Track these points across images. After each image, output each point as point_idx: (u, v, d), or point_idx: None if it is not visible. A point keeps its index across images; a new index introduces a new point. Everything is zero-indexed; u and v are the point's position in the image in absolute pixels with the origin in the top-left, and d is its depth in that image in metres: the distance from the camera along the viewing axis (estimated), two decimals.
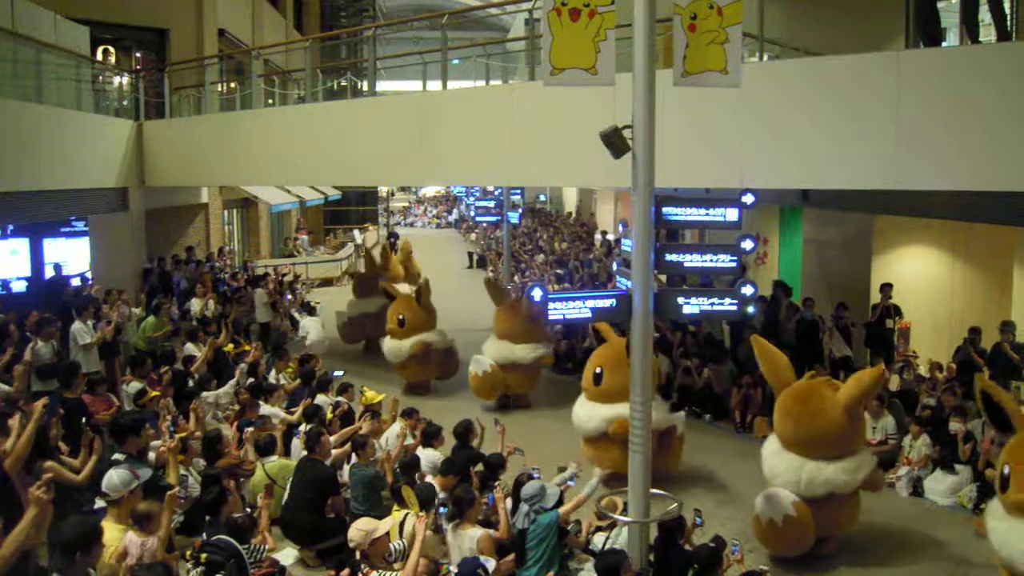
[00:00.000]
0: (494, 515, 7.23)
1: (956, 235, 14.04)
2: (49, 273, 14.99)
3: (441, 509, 6.68)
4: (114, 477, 5.93)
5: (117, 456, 6.90)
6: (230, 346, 12.53)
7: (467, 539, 6.76)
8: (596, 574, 5.95)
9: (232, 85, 19.56)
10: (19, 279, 15.41)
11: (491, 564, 6.39)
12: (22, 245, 15.71)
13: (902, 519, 8.83)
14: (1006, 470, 6.39)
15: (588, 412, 9.50)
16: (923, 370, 12.18)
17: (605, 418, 9.27)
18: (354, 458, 8.15)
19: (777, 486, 7.73)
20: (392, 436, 8.88)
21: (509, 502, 7.14)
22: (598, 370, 9.53)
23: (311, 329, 14.12)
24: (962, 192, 8.70)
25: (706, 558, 6.25)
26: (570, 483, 7.45)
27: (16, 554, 4.87)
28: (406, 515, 6.86)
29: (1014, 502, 6.28)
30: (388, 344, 13.26)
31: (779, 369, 8.15)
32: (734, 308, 7.17)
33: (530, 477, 7.12)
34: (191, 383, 10.47)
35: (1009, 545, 6.30)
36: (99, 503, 6.49)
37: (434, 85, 13.19)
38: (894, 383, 11.80)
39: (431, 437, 8.65)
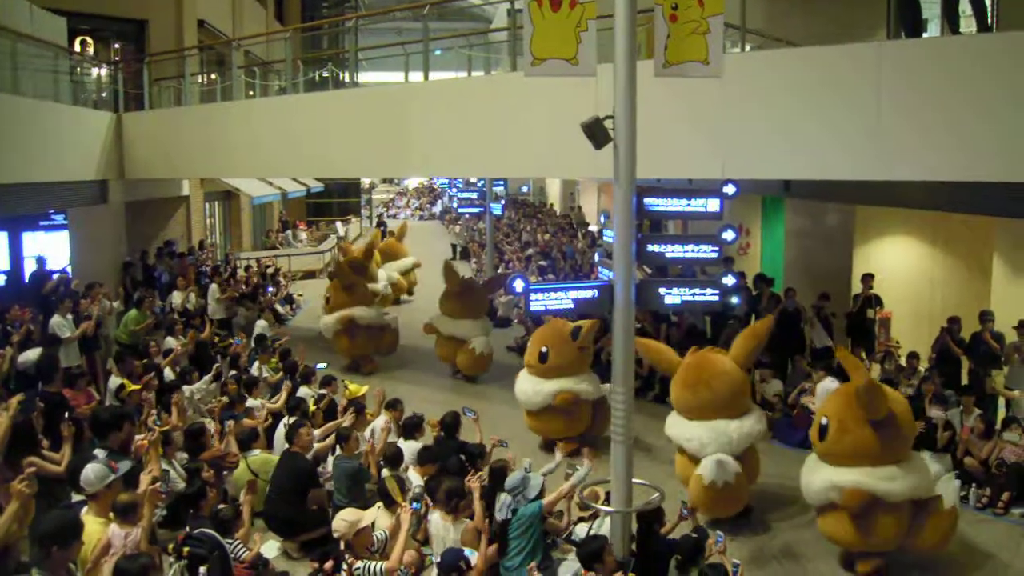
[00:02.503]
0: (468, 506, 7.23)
1: (936, 226, 14.14)
2: (31, 266, 14.81)
3: (414, 505, 6.66)
4: (89, 472, 5.90)
5: (97, 451, 6.85)
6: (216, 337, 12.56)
7: (454, 531, 6.80)
8: (579, 562, 5.98)
9: (212, 76, 19.40)
10: None
11: (474, 556, 6.40)
12: (0, 239, 15.55)
13: None
14: (824, 421, 7.32)
15: (534, 387, 10.10)
16: (903, 360, 12.27)
17: (551, 392, 9.92)
18: (338, 450, 8.14)
19: (709, 453, 7.99)
20: (377, 429, 8.87)
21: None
22: (544, 349, 10.11)
23: (258, 331, 13.90)
24: (943, 183, 8.75)
25: (689, 549, 6.28)
26: (571, 471, 7.43)
27: None
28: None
29: (825, 450, 7.28)
30: (320, 321, 14.42)
31: (663, 356, 8.70)
32: (715, 298, 7.20)
33: (526, 470, 7.13)
34: (172, 375, 10.41)
35: (811, 486, 7.35)
36: (76, 497, 6.44)
37: (416, 76, 13.13)
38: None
39: (412, 429, 8.65)
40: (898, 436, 7.14)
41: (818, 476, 7.33)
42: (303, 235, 29.31)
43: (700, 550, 6.31)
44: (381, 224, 28.71)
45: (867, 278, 13.00)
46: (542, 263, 21.85)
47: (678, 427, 8.35)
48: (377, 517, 6.85)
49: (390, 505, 7.07)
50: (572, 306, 6.99)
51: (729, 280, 7.41)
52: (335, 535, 6.31)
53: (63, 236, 16.27)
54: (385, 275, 19.12)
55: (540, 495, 6.78)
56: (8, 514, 4.90)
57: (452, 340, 13.54)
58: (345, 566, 6.02)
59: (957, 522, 7.40)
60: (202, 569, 5.89)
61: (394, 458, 7.79)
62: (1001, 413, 10.39)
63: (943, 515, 7.24)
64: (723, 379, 8.16)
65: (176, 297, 14.64)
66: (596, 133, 6.16)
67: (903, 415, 7.21)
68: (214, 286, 15.30)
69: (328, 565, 5.98)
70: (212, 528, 6.26)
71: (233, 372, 10.74)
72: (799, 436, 10.10)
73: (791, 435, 10.51)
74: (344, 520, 6.28)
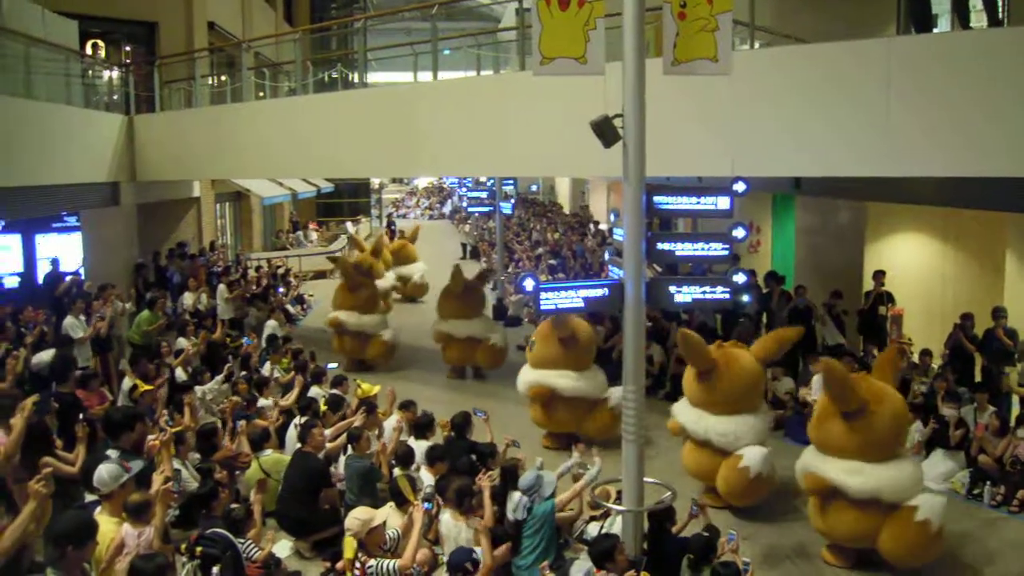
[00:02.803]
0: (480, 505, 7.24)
1: (948, 222, 14.07)
2: (45, 268, 14.92)
3: (426, 504, 6.67)
4: (103, 472, 5.93)
5: (110, 452, 6.89)
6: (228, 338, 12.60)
7: (466, 530, 6.80)
8: (591, 561, 5.97)
9: (222, 78, 19.47)
10: (11, 275, 15.37)
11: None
12: (14, 241, 15.67)
13: None
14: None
15: (521, 376, 10.57)
16: (916, 357, 12.21)
17: (528, 382, 10.32)
18: (349, 450, 8.16)
19: (743, 446, 8.27)
20: (388, 428, 8.89)
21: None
22: (532, 338, 10.57)
23: (268, 331, 14.05)
24: (953, 179, 8.72)
25: (701, 547, 6.26)
26: (583, 471, 7.43)
27: (15, 547, 4.89)
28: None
29: (811, 438, 7.66)
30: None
31: (701, 350, 8.47)
32: (726, 296, 7.20)
33: (539, 469, 7.14)
34: (184, 376, 10.46)
35: (796, 470, 7.72)
36: (90, 497, 6.48)
37: (425, 76, 13.15)
38: None
39: (424, 428, 8.66)
40: (870, 433, 7.10)
41: (800, 461, 7.68)
42: (314, 235, 29.41)
43: (712, 548, 6.29)
44: (390, 224, 28.76)
45: (879, 275, 12.95)
46: (552, 262, 21.85)
47: (704, 421, 8.46)
48: (389, 516, 6.87)
49: (402, 504, 7.09)
50: (583, 304, 6.99)
51: (740, 278, 7.40)
52: (347, 534, 6.33)
53: (76, 238, 16.39)
54: (393, 276, 19.19)
55: (553, 494, 6.80)
56: (26, 513, 4.95)
57: (467, 341, 13.49)
58: (359, 564, 6.04)
59: (936, 540, 7.01)
60: (215, 569, 5.91)
61: (405, 457, 7.80)
62: (1015, 410, 10.34)
63: (909, 525, 6.93)
64: (744, 374, 8.42)
65: (188, 298, 14.70)
66: (605, 131, 6.16)
67: (885, 414, 7.12)
68: (222, 286, 15.36)
69: (340, 565, 5.99)
70: (224, 528, 6.29)
71: (244, 372, 10.79)
72: None
73: (802, 432, 10.44)
74: (357, 519, 6.30)
